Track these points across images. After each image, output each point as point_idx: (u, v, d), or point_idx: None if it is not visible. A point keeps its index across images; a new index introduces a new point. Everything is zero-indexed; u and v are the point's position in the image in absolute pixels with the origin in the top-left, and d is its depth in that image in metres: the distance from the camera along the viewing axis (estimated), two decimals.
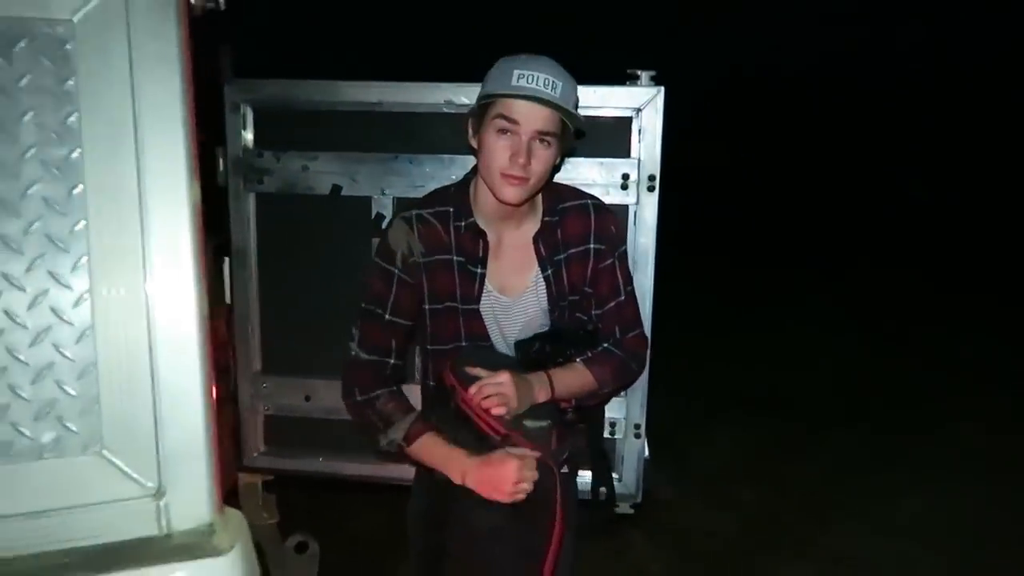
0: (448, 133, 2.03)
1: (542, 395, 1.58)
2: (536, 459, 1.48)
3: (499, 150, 1.52)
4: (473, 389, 1.51)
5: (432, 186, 2.07)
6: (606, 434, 2.08)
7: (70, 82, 0.89)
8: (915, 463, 4.14)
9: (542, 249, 1.67)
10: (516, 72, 1.48)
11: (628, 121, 2.00)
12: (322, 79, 2.12)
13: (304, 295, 2.21)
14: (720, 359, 5.81)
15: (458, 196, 1.67)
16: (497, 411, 1.50)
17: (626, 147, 2.01)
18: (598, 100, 1.98)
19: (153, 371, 0.90)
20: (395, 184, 2.09)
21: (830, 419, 4.83)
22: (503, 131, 1.51)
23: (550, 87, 1.48)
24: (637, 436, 2.11)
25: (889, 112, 13.79)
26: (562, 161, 1.67)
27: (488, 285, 1.67)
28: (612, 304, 1.72)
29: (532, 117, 1.49)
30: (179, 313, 0.92)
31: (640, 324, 1.79)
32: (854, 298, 7.63)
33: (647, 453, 2.14)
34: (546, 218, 1.67)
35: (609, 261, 1.71)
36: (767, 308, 7.26)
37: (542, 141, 1.52)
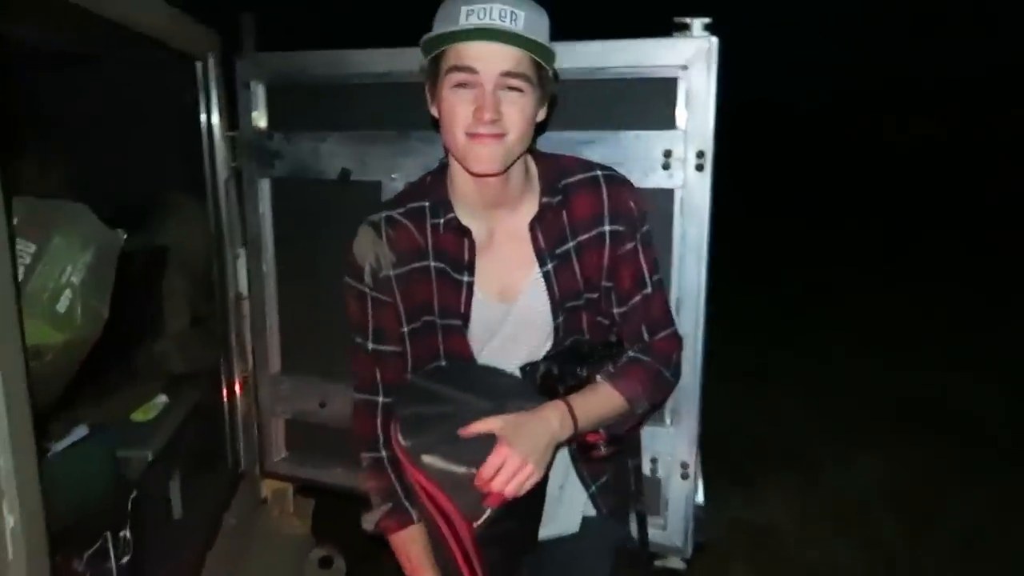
0: None
1: (564, 430, 1.23)
2: None
3: (459, 107, 1.19)
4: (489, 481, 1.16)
5: None
6: (645, 471, 1.70)
7: None
8: None
9: (540, 239, 1.33)
10: (463, 9, 1.15)
11: (672, 83, 1.60)
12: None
13: (319, 289, 2.00)
14: (869, 357, 5.05)
15: (434, 186, 1.36)
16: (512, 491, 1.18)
17: (669, 116, 1.61)
18: (633, 58, 1.60)
19: None
20: (405, 166, 1.82)
21: (1005, 437, 4.03)
22: (461, 85, 1.18)
23: (508, 18, 1.14)
24: (684, 477, 1.71)
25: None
26: (549, 117, 1.31)
27: (479, 293, 1.34)
28: (637, 298, 1.37)
29: (491, 58, 1.16)
30: None
31: (671, 322, 1.42)
32: None
33: (701, 497, 1.73)
34: (544, 199, 1.33)
35: (630, 245, 1.35)
36: (920, 296, 6.27)
37: (512, 89, 1.18)
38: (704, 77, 1.56)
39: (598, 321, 1.39)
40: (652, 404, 1.40)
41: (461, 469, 1.17)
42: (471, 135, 1.20)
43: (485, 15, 1.14)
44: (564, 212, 1.34)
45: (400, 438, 1.21)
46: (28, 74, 1.98)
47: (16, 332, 0.82)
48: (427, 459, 1.18)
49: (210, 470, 2.02)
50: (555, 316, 1.35)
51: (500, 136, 1.20)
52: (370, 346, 1.39)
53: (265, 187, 2.01)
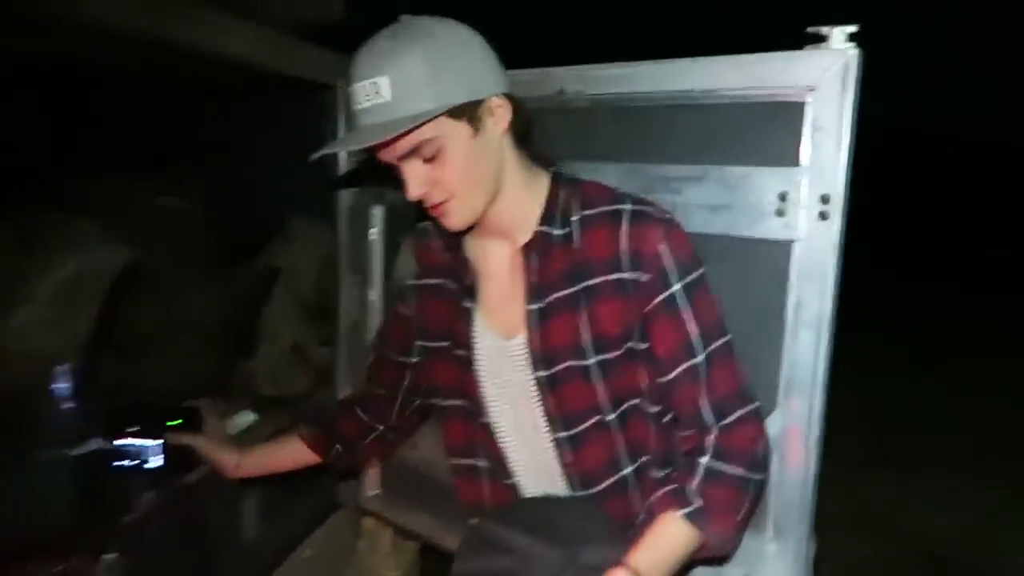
0: (563, 132, 1.54)
1: None
2: None
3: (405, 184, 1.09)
4: None
5: None
6: None
7: None
8: None
9: (533, 272, 1.14)
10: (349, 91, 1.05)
11: (796, 108, 1.26)
12: None
13: None
14: None
15: None
16: None
17: (790, 150, 1.27)
18: (749, 78, 1.29)
19: None
20: None
21: None
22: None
23: (371, 95, 1.00)
24: None
25: None
26: (524, 135, 1.16)
27: (479, 322, 1.20)
28: (683, 367, 1.10)
29: (381, 149, 1.06)
30: None
31: (746, 399, 1.11)
32: None
33: None
34: (543, 227, 1.14)
35: (660, 298, 1.09)
36: None
37: (424, 160, 1.05)
38: (836, 101, 1.21)
39: (641, 408, 1.14)
40: (743, 529, 1.12)
41: None
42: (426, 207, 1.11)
43: (356, 100, 1.02)
44: (574, 249, 1.12)
45: None
46: (164, 109, 2.14)
47: None
48: None
49: (302, 495, 1.99)
50: (535, 366, 1.14)
51: (444, 203, 1.08)
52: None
53: (378, 214, 1.96)
